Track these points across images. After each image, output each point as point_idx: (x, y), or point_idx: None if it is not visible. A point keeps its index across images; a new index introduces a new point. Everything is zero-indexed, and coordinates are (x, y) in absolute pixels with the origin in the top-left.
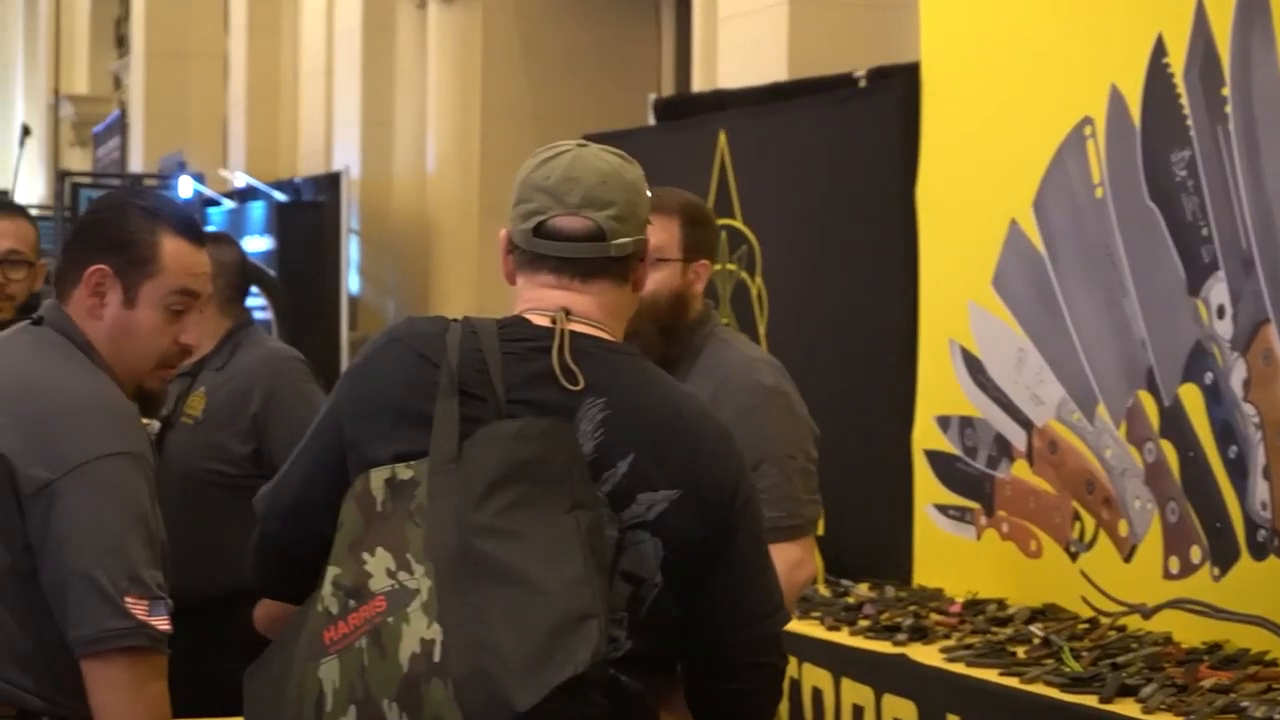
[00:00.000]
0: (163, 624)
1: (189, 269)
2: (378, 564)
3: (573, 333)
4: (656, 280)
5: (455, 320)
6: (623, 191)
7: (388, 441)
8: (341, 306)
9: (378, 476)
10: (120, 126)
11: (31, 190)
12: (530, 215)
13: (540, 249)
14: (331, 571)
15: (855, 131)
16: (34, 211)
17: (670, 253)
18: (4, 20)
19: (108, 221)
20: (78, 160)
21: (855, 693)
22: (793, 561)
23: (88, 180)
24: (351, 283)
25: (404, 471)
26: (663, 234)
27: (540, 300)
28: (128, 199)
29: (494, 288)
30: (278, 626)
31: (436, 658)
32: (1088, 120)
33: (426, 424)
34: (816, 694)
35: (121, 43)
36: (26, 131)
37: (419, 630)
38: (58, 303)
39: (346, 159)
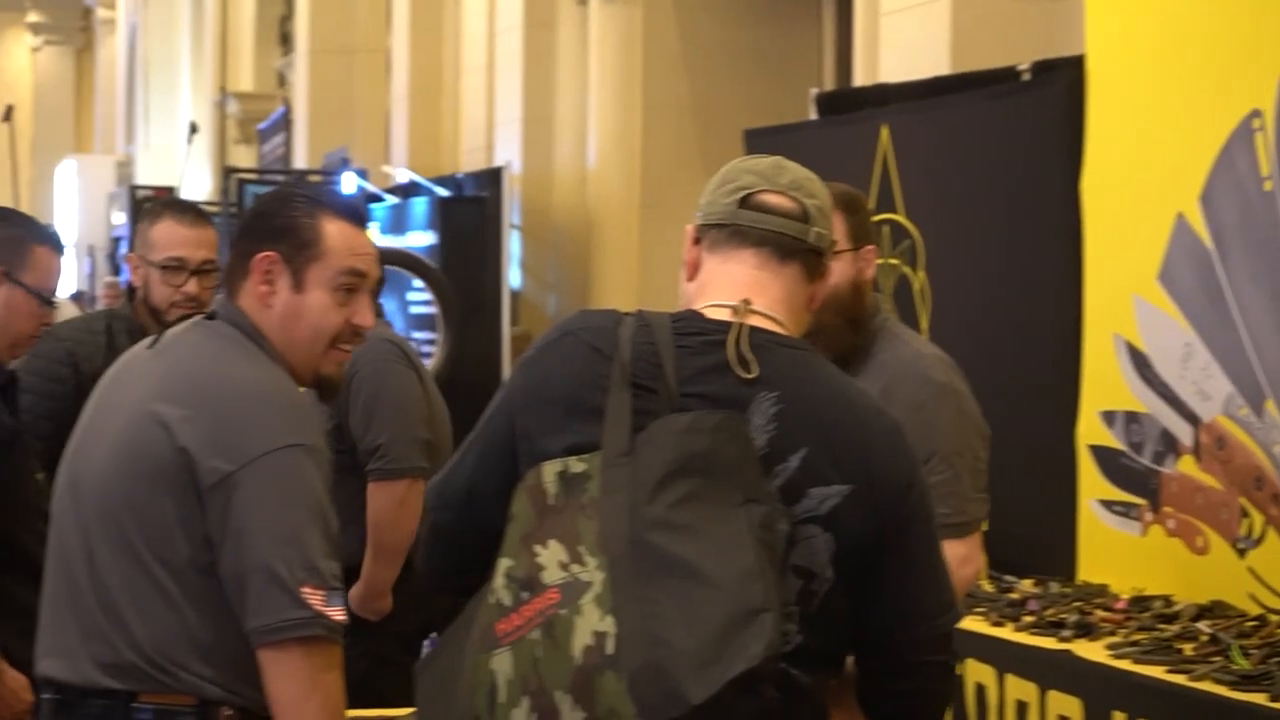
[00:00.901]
0: (339, 614)
1: (353, 249)
2: (550, 556)
3: (750, 327)
4: (834, 273)
5: (628, 314)
6: (824, 194)
7: (559, 434)
8: (503, 301)
9: (549, 469)
10: (285, 123)
11: (198, 186)
12: (737, 190)
13: (744, 220)
14: (504, 563)
15: (1019, 125)
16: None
17: (841, 244)
18: (170, 19)
19: (271, 211)
20: (243, 157)
21: (1019, 689)
22: (960, 558)
23: (253, 176)
24: (513, 278)
25: (576, 465)
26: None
27: (728, 280)
28: (289, 189)
29: (655, 282)
30: (371, 604)
31: (610, 650)
32: (1256, 113)
33: (598, 416)
34: (980, 690)
35: (286, 40)
36: (194, 129)
37: (592, 623)
38: (228, 297)
39: (508, 154)
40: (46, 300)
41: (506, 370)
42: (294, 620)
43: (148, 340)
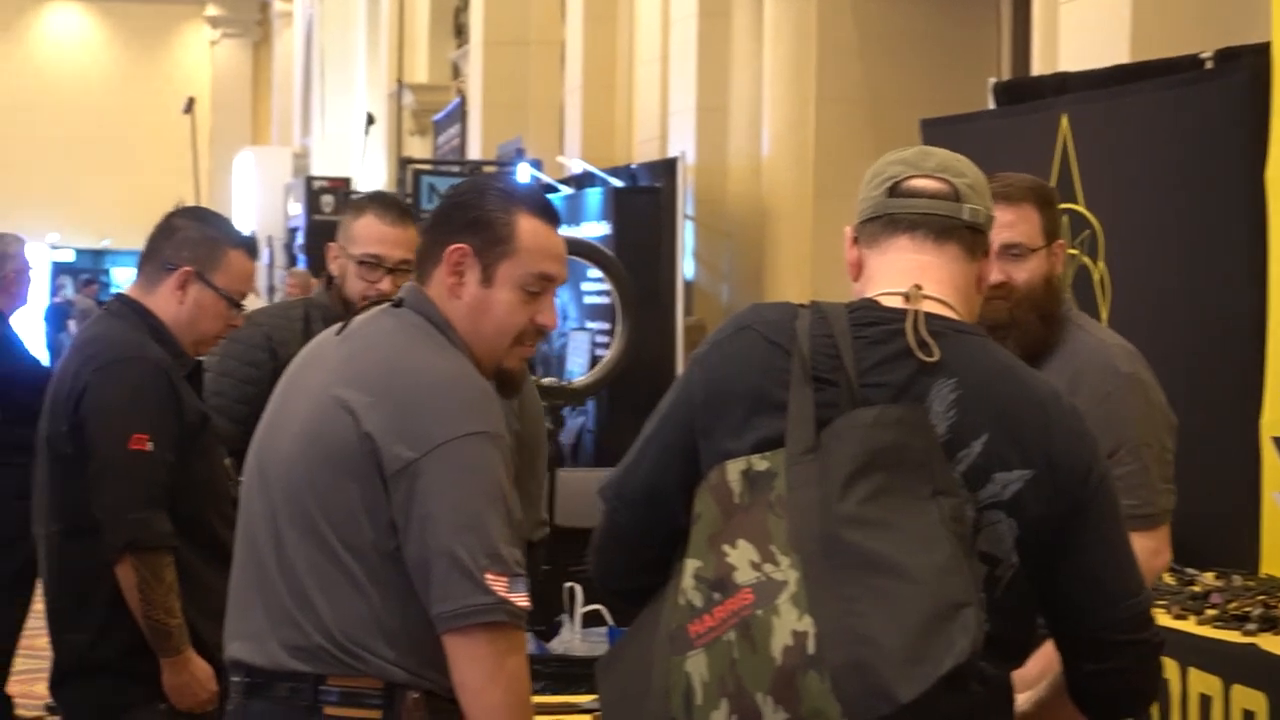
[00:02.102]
0: (522, 600)
1: (545, 250)
2: (740, 556)
3: (925, 313)
4: (1029, 270)
5: (803, 306)
6: (974, 172)
7: (742, 430)
8: (677, 292)
9: (733, 468)
10: (460, 114)
11: (374, 177)
12: (885, 181)
13: (895, 208)
14: (691, 564)
15: (1202, 114)
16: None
17: (1036, 241)
18: (346, 12)
19: (467, 203)
20: (418, 148)
21: (1203, 683)
22: (1150, 550)
23: (428, 167)
24: (686, 268)
25: (760, 463)
26: (1024, 225)
27: (892, 270)
28: (487, 182)
29: (828, 272)
30: None
31: (811, 650)
32: None
33: (780, 411)
34: (1163, 684)
35: (460, 32)
36: (371, 120)
37: (790, 622)
38: (417, 285)
39: (682, 144)
40: (235, 303)
41: (680, 361)
42: (477, 606)
43: (335, 326)
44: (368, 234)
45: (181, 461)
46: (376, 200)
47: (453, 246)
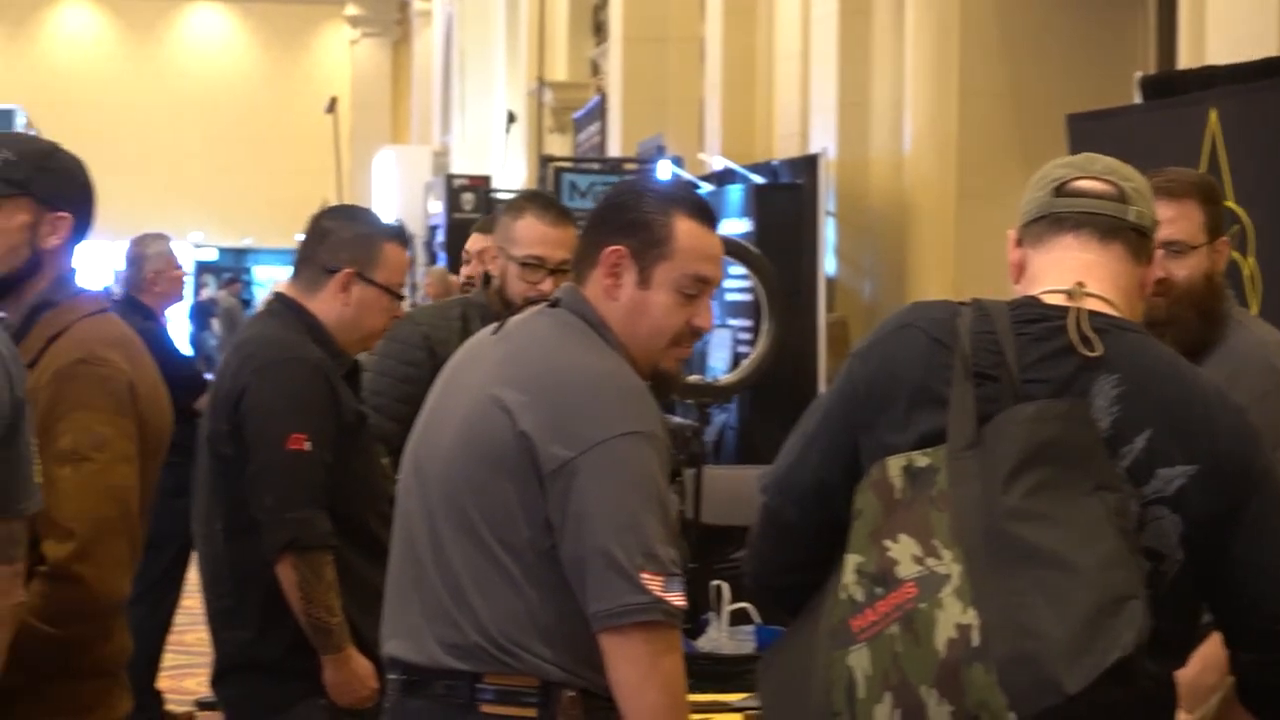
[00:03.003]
0: (678, 599)
1: (703, 252)
2: (902, 550)
3: (1087, 310)
4: (1189, 267)
5: (964, 304)
6: (1140, 179)
7: (905, 426)
8: (819, 288)
9: (894, 464)
10: (600, 111)
11: (513, 175)
12: (1051, 182)
13: (1060, 207)
14: (853, 560)
15: None
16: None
17: (1198, 239)
18: (485, 10)
19: (624, 205)
20: (558, 145)
21: None
22: None
23: (569, 165)
24: (828, 264)
25: (920, 459)
26: (1185, 222)
27: (1055, 268)
28: (644, 183)
29: (971, 267)
30: None
31: (976, 642)
32: None
33: (942, 406)
34: None
35: (599, 30)
36: (512, 118)
37: (954, 615)
38: (574, 285)
39: (823, 141)
40: (397, 295)
41: (822, 358)
42: (634, 605)
43: (492, 326)
44: (529, 235)
45: (339, 461)
46: (535, 200)
47: (610, 248)
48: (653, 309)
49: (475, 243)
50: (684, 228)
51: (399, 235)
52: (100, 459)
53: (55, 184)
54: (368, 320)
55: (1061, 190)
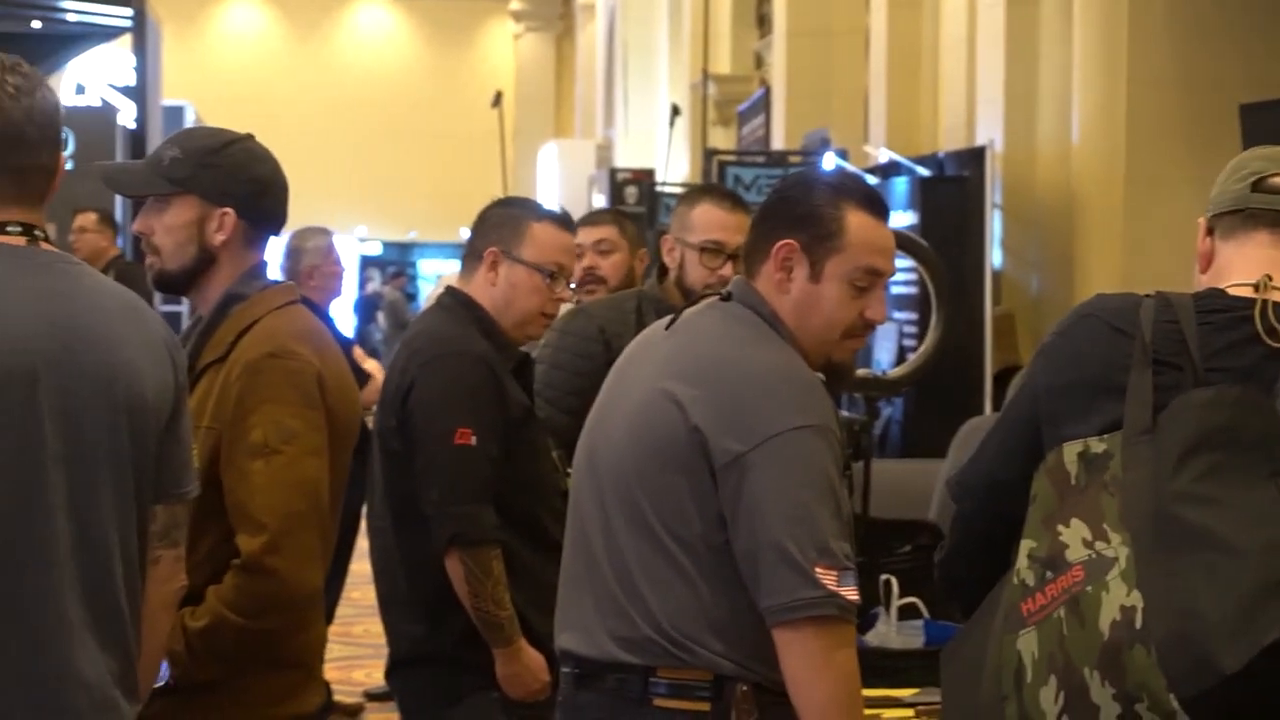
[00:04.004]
0: (852, 594)
1: (874, 245)
2: (1073, 534)
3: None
4: None
5: (1147, 295)
6: None
7: (1087, 415)
8: (985, 281)
9: (1070, 450)
10: (764, 105)
11: (678, 168)
12: (1248, 176)
13: (1257, 203)
14: (1026, 545)
15: None
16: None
17: None
18: (648, 3)
19: (795, 198)
20: (722, 139)
21: None
22: None
23: (733, 158)
24: (994, 257)
25: (1096, 445)
26: None
27: (1245, 262)
28: (815, 176)
29: (1140, 260)
30: None
31: (1137, 624)
32: None
33: (1122, 394)
34: None
35: (763, 22)
36: (676, 111)
37: (1119, 598)
38: (745, 279)
39: (989, 132)
40: (550, 274)
41: (988, 351)
42: (807, 600)
43: (664, 320)
44: (707, 221)
45: (507, 455)
46: (709, 190)
47: (781, 242)
48: (825, 302)
49: (586, 235)
50: (855, 220)
51: (551, 216)
52: (290, 452)
53: (219, 180)
54: (520, 301)
55: (1259, 186)
